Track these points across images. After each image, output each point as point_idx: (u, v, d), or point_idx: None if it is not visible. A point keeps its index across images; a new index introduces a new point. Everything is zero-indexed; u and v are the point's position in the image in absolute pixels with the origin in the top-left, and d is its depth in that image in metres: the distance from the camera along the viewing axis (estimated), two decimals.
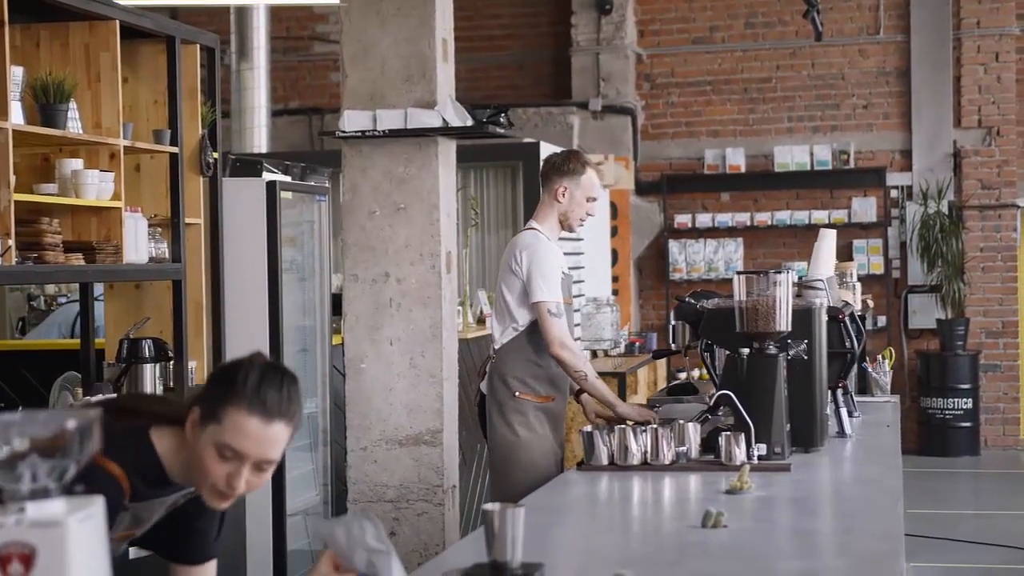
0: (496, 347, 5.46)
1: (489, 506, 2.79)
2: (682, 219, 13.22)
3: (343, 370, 6.00)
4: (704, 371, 12.05)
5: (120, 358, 5.58)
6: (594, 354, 10.38)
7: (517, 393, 5.33)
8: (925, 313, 12.87)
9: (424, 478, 5.83)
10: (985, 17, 12.81)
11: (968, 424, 12.56)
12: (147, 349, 5.56)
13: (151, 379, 5.55)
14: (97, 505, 1.79)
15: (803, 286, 5.29)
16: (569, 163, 5.43)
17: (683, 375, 12.53)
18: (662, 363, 11.32)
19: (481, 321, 8.09)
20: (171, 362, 5.73)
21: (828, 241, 5.66)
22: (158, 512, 2.83)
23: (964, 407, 12.52)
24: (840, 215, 12.89)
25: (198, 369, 5.96)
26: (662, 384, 11.50)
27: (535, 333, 5.28)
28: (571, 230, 5.54)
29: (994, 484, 11.56)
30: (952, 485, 11.50)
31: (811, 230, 12.85)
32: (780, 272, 4.53)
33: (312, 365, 7.09)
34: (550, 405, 5.38)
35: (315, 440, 7.11)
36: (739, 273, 4.57)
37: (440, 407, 5.85)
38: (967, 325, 12.64)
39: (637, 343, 11.15)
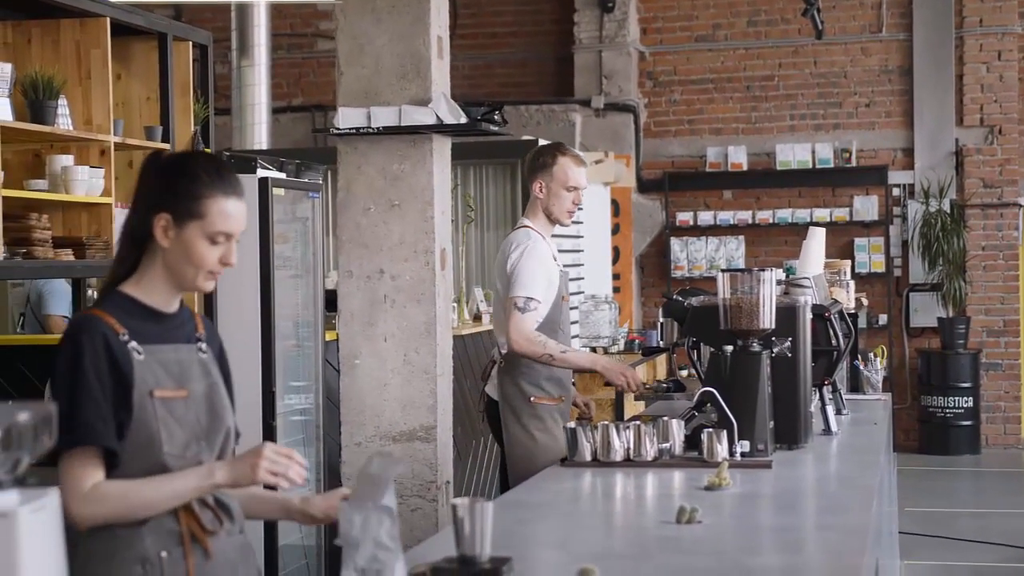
0: (504, 351, 5.41)
1: (457, 501, 2.81)
2: (684, 217, 13.24)
3: (337, 366, 6.02)
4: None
5: None
6: (593, 351, 10.39)
7: (533, 398, 5.35)
8: (926, 311, 12.88)
9: (418, 474, 5.84)
10: (987, 15, 12.81)
11: (969, 423, 12.57)
12: None
13: None
14: (51, 497, 1.81)
15: (790, 284, 5.30)
16: (539, 157, 5.47)
17: (685, 372, 12.54)
18: (663, 360, 11.33)
19: (477, 318, 8.11)
20: None
21: (817, 239, 5.67)
22: (189, 369, 2.94)
23: (965, 406, 12.52)
24: (842, 213, 12.90)
25: None
26: None
27: (544, 331, 5.29)
28: (562, 224, 5.54)
29: (994, 483, 11.56)
30: (952, 483, 11.50)
31: None
32: (764, 270, 4.54)
33: (306, 361, 7.11)
34: (562, 405, 5.42)
35: (308, 435, 7.13)
36: (723, 271, 4.59)
37: (434, 403, 5.86)
38: (968, 324, 12.65)
39: (638, 340, 11.15)
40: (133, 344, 2.85)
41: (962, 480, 11.75)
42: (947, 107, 12.88)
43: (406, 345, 5.85)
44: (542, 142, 10.01)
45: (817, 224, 12.71)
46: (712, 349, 4.65)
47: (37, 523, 1.77)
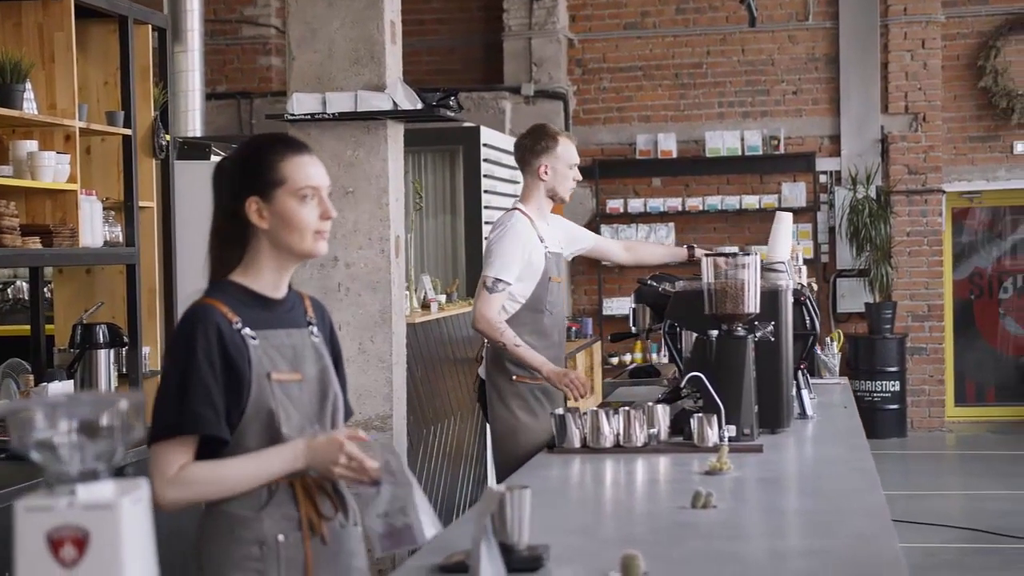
0: None
1: (496, 488, 2.78)
2: (614, 204, 13.26)
3: None
4: (645, 355, 12.10)
5: (74, 344, 5.48)
6: None
7: (514, 377, 5.39)
8: (853, 297, 13.02)
9: None
10: (912, 4, 12.96)
11: (895, 406, 12.74)
12: (101, 335, 5.46)
13: (105, 365, 5.46)
14: (144, 488, 1.76)
15: (765, 269, 5.31)
16: (540, 141, 5.54)
17: (615, 360, 12.60)
18: (598, 348, 11.37)
19: (426, 306, 8.05)
20: (125, 348, 5.63)
21: (785, 224, 5.69)
22: (303, 353, 2.97)
23: (892, 389, 12.70)
24: (770, 200, 12.99)
25: (152, 355, 5.87)
26: (599, 368, 11.55)
27: (529, 312, 5.31)
28: (564, 201, 5.67)
29: (921, 465, 11.73)
30: (881, 466, 11.51)
31: (741, 215, 12.96)
32: (748, 254, 4.55)
33: None
34: (546, 384, 5.39)
35: None
36: (708, 255, 4.59)
37: (389, 392, 5.82)
38: (894, 309, 12.81)
39: (573, 328, 11.18)
40: (247, 331, 2.89)
41: (891, 463, 11.89)
42: (873, 95, 13.02)
43: (361, 334, 5.80)
44: (485, 130, 10.00)
45: (747, 211, 12.85)
46: (696, 334, 4.65)
47: (137, 513, 1.72)
